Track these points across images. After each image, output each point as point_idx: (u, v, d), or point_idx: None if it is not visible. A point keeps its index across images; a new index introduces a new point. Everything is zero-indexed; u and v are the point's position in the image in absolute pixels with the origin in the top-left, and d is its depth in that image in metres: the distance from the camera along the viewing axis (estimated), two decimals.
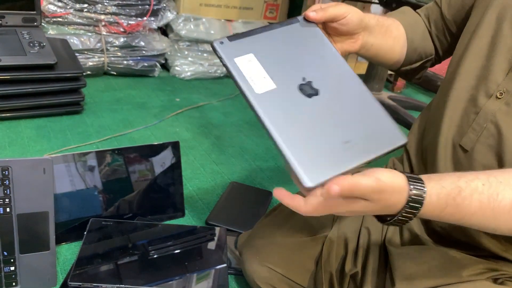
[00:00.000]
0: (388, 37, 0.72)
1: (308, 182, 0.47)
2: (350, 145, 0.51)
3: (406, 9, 0.80)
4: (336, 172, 0.48)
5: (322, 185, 0.47)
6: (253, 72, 0.54)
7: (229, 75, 0.54)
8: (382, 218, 0.53)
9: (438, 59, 0.80)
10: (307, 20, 0.60)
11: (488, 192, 0.49)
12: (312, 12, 0.59)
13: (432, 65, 0.82)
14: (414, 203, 0.49)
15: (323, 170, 0.48)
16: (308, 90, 0.54)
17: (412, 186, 0.48)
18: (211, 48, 2.20)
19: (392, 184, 0.48)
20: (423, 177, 0.50)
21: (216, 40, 0.55)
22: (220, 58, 0.54)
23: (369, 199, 0.48)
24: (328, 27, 0.64)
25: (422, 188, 0.49)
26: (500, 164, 0.59)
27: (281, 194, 0.50)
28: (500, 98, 0.60)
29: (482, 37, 0.63)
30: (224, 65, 0.54)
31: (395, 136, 0.54)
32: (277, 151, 0.49)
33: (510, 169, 0.53)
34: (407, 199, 0.48)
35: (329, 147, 0.51)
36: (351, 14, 0.62)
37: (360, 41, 0.67)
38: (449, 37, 0.76)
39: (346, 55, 0.67)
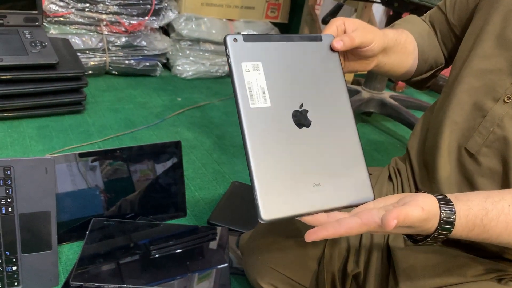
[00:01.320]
0: (403, 54, 0.71)
1: (263, 216, 0.47)
2: (318, 189, 0.51)
3: (413, 19, 0.78)
4: (294, 213, 0.49)
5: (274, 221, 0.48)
6: (254, 83, 0.51)
7: (229, 75, 0.52)
8: (413, 238, 0.54)
9: (445, 64, 0.80)
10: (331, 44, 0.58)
11: None
12: (339, 43, 0.58)
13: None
14: (446, 225, 0.49)
15: (282, 208, 0.49)
16: (300, 119, 0.53)
17: (443, 209, 0.49)
18: (212, 48, 2.18)
19: (433, 211, 0.49)
20: (451, 197, 0.51)
21: (230, 35, 0.52)
22: (227, 56, 0.52)
23: (413, 226, 0.48)
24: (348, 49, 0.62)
25: (452, 210, 0.49)
26: (506, 168, 0.59)
27: (314, 234, 0.48)
28: (507, 102, 0.59)
29: (487, 41, 0.63)
30: (229, 65, 0.51)
31: (364, 192, 0.54)
32: (248, 171, 0.49)
33: None
34: (439, 222, 0.49)
35: (297, 185, 0.50)
36: (375, 43, 0.61)
37: (375, 62, 0.66)
38: (454, 40, 0.76)
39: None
